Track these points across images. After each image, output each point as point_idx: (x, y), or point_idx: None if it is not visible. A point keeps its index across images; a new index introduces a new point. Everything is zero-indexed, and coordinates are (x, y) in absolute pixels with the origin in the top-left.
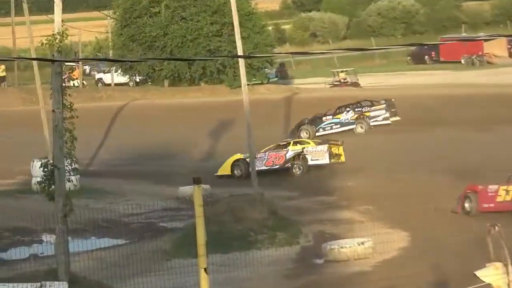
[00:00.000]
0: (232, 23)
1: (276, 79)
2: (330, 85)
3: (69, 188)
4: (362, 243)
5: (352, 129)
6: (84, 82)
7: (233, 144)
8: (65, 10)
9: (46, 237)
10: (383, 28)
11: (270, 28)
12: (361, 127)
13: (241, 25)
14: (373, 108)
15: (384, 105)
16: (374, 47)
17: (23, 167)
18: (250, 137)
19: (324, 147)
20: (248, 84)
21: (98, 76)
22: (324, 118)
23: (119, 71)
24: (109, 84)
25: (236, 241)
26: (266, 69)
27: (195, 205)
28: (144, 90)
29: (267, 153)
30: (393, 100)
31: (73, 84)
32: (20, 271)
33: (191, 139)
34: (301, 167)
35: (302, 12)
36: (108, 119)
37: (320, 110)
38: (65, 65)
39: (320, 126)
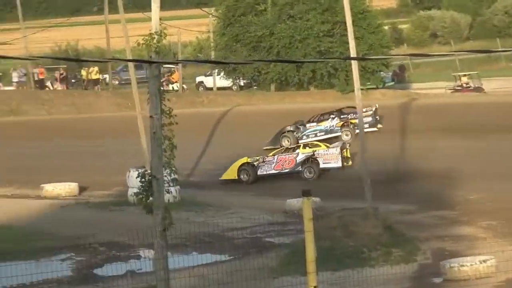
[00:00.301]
0: (345, 22)
1: (393, 83)
2: (451, 90)
3: (169, 200)
4: (484, 261)
5: (337, 137)
6: (184, 85)
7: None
8: (163, 7)
9: (144, 253)
10: (510, 28)
11: (386, 27)
12: (346, 135)
13: (354, 24)
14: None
15: (371, 112)
16: (500, 49)
17: (119, 177)
18: (363, 146)
19: (336, 150)
20: (361, 89)
21: (199, 79)
22: (308, 125)
23: (222, 74)
24: (211, 88)
25: (348, 257)
26: (381, 73)
27: (304, 219)
28: (248, 94)
29: (276, 156)
30: (376, 106)
31: (172, 87)
32: None
33: None
34: (312, 171)
35: (421, 10)
36: (209, 125)
37: (438, 118)
38: (164, 67)
39: (303, 133)
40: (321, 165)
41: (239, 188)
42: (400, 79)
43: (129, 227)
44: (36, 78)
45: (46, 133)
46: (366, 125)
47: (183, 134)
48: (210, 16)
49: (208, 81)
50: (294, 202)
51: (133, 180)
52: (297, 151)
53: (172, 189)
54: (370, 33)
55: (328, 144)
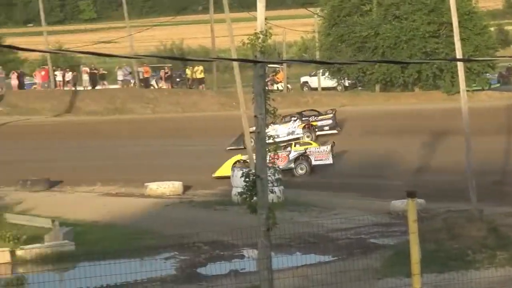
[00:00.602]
0: (451, 23)
1: (498, 85)
2: None
3: (272, 200)
4: None
5: (298, 138)
6: (288, 85)
7: (450, 156)
8: (268, 6)
9: (247, 252)
10: None
11: (492, 29)
12: (308, 136)
13: (460, 25)
14: (320, 117)
15: (331, 115)
16: None
17: None
18: (469, 149)
19: (327, 147)
20: (467, 90)
21: (303, 79)
22: (270, 127)
23: (327, 74)
24: (316, 88)
25: (452, 260)
26: (487, 74)
27: (409, 220)
28: (353, 95)
29: (268, 154)
30: (336, 109)
31: (277, 87)
32: (221, 287)
33: (403, 148)
34: (304, 168)
35: None
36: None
37: None
38: (268, 67)
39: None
40: (313, 162)
41: (342, 189)
42: (506, 81)
43: (233, 227)
44: (141, 77)
45: (150, 132)
46: (327, 128)
47: None
48: (316, 16)
49: (313, 81)
50: (398, 204)
51: (237, 180)
52: (289, 148)
53: (276, 189)
54: (476, 34)
55: (314, 142)
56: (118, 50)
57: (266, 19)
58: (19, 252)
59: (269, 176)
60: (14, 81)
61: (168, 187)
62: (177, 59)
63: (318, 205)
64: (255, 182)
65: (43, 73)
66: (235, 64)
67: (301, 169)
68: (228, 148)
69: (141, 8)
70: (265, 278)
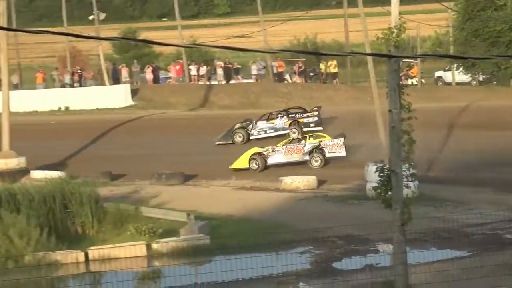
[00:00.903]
0: None
1: None
2: None
3: (407, 195)
4: None
5: (285, 134)
6: (422, 80)
7: None
8: (402, 1)
9: (382, 247)
10: None
11: None
12: (294, 133)
13: None
14: (306, 114)
15: (317, 112)
16: None
17: (357, 171)
18: None
19: (340, 140)
20: None
21: (437, 74)
22: (258, 123)
23: (461, 69)
24: (450, 83)
25: None
26: None
27: None
28: (487, 89)
29: (284, 146)
30: (320, 107)
31: (411, 82)
32: (356, 282)
33: None
34: (318, 160)
35: None
36: (447, 120)
37: None
38: (403, 61)
39: (254, 130)
40: (327, 155)
41: (477, 184)
42: None
43: (367, 221)
44: (274, 71)
45: None
46: (312, 124)
47: (421, 129)
48: (450, 10)
49: (447, 76)
50: None
51: (372, 174)
52: (303, 141)
53: (411, 184)
54: None
55: (325, 135)
56: (252, 44)
57: (400, 13)
58: (155, 246)
59: (404, 171)
60: (149, 75)
61: (303, 181)
62: (311, 53)
63: (453, 200)
64: (389, 177)
65: (177, 67)
66: (369, 58)
67: (316, 161)
68: (217, 143)
69: (275, 3)
70: (400, 273)
